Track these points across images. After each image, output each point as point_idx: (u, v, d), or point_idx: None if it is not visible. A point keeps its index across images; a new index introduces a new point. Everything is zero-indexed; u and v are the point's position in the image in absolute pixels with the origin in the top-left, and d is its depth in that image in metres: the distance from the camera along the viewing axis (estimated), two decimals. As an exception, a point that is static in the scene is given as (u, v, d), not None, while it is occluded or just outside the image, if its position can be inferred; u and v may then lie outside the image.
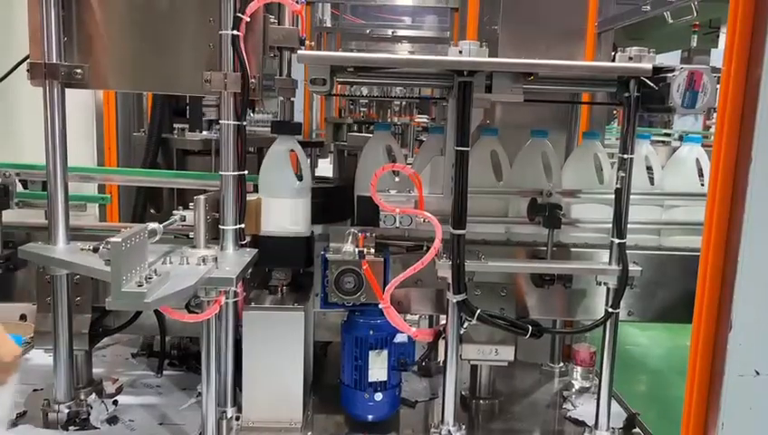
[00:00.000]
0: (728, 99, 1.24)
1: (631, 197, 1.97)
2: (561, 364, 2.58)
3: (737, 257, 1.24)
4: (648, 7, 2.34)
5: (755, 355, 1.28)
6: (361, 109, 7.35)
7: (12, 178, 2.05)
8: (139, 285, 1.39)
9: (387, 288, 1.83)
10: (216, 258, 1.72)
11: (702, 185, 2.21)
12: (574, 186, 2.12)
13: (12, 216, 2.19)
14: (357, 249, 1.83)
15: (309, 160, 2.90)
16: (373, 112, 7.23)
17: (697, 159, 2.20)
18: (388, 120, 6.94)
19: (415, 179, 1.92)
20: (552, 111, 2.51)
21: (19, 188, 2.22)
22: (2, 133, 2.99)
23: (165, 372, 2.41)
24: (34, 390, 2.19)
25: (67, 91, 1.91)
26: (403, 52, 8.29)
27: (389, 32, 6.71)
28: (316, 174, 2.87)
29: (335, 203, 2.30)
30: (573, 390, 2.40)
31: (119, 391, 2.23)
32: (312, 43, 6.64)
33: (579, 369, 2.45)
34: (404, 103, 7.86)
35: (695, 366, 1.34)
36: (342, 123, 3.74)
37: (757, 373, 1.28)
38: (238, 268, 1.73)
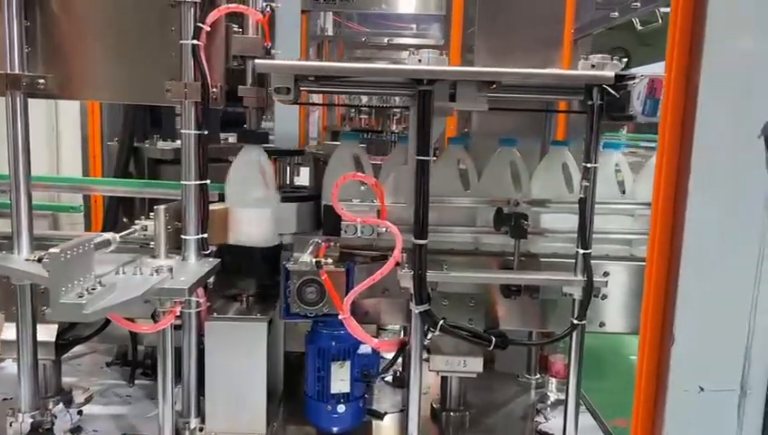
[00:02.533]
0: (669, 108, 1.22)
1: (601, 206, 1.96)
2: (538, 376, 2.54)
3: (678, 270, 1.22)
4: (617, 14, 2.31)
5: (700, 371, 1.25)
6: (362, 117, 7.34)
7: (-22, 187, 2.05)
8: (80, 296, 1.38)
9: (346, 299, 1.81)
10: (172, 268, 1.71)
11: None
12: (543, 195, 2.09)
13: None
14: (314, 259, 1.81)
15: (288, 169, 2.89)
16: (373, 120, 7.22)
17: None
18: (389, 128, 6.92)
19: (376, 189, 1.90)
20: (530, 120, 2.49)
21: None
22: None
23: (137, 382, 2.41)
24: (3, 399, 2.20)
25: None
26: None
27: (385, 40, 6.71)
28: (296, 183, 2.86)
29: (308, 212, 2.28)
30: (548, 402, 2.37)
31: (88, 400, 2.23)
32: (311, 51, 6.65)
33: (554, 381, 2.41)
34: (405, 112, 7.84)
35: (641, 380, 1.31)
36: (341, 131, 3.72)
37: (701, 389, 1.24)
38: (193, 279, 1.71)
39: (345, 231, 1.90)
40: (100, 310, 1.40)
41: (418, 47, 7.52)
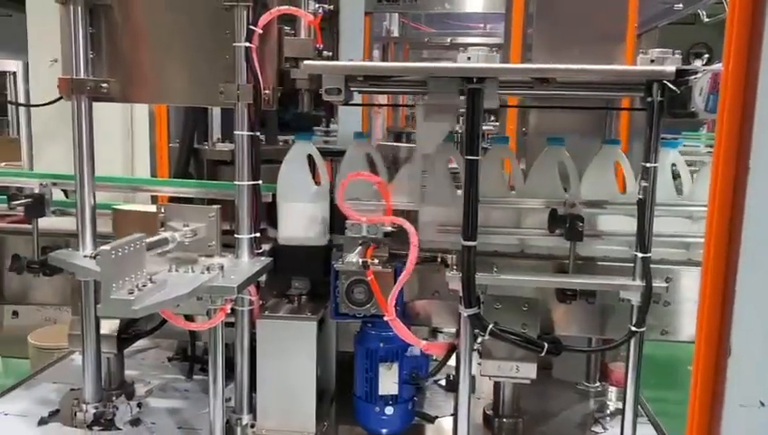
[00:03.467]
0: (726, 103, 1.14)
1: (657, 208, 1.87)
2: (598, 384, 2.45)
3: (736, 275, 1.14)
4: (681, 5, 2.19)
5: (760, 385, 1.16)
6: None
7: (48, 187, 2.16)
8: (130, 293, 1.43)
9: (389, 300, 1.80)
10: (223, 267, 1.75)
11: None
12: (593, 196, 2.00)
13: (64, 223, 2.32)
14: (361, 260, 1.81)
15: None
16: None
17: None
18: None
19: (382, 188, 1.89)
20: (590, 118, 2.40)
21: (62, 196, 2.35)
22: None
23: (196, 377, 2.47)
24: (71, 389, 2.30)
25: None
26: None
27: (448, 40, 6.65)
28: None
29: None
30: (607, 411, 2.28)
31: (148, 393, 2.31)
32: (377, 53, 6.67)
33: (614, 389, 2.32)
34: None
35: (695, 393, 1.23)
36: (402, 132, 3.72)
37: (762, 404, 1.15)
38: (243, 277, 1.74)
39: (349, 230, 1.89)
40: (147, 307, 1.44)
41: (479, 46, 7.42)
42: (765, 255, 1.12)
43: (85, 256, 1.84)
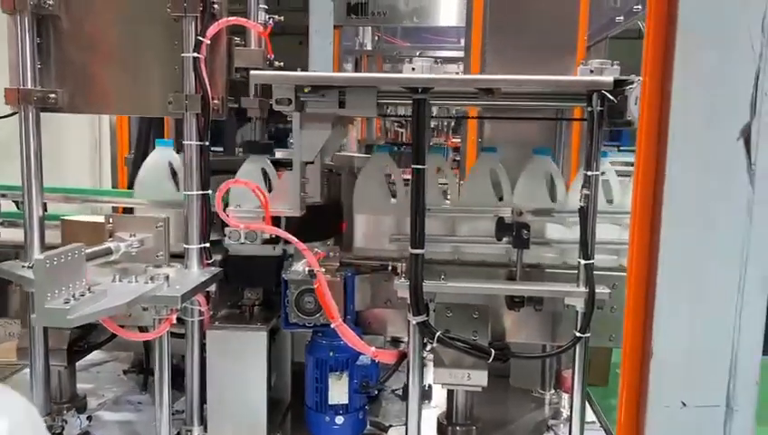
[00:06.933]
0: (645, 113, 1.17)
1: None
2: (553, 391, 2.47)
3: (656, 280, 1.16)
4: (622, 18, 2.25)
5: (681, 386, 1.18)
6: (397, 130, 7.34)
7: (-4, 198, 2.14)
8: (66, 302, 1.42)
9: (331, 305, 1.81)
10: (168, 277, 1.74)
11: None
12: (526, 204, 2.04)
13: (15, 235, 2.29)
14: (307, 269, 1.81)
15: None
16: (409, 134, 7.21)
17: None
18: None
19: (258, 195, 1.91)
20: (541, 128, 2.44)
21: (13, 208, 2.32)
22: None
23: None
24: (21, 403, 2.26)
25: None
26: (451, 72, 8.21)
27: (417, 53, 6.71)
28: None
29: (316, 222, 2.29)
30: (561, 418, 2.30)
31: (100, 406, 2.28)
32: (349, 66, 6.70)
33: (566, 396, 2.34)
34: (444, 123, 7.80)
35: (623, 396, 1.26)
36: (374, 145, 3.78)
37: (684, 405, 1.18)
38: (188, 287, 1.74)
39: (229, 237, 1.95)
40: (82, 316, 1.43)
41: (446, 59, 7.50)
42: (683, 260, 1.15)
43: (23, 266, 1.82)
